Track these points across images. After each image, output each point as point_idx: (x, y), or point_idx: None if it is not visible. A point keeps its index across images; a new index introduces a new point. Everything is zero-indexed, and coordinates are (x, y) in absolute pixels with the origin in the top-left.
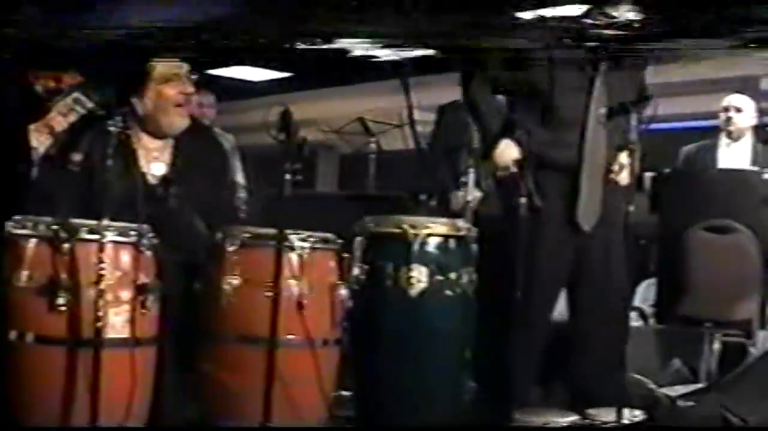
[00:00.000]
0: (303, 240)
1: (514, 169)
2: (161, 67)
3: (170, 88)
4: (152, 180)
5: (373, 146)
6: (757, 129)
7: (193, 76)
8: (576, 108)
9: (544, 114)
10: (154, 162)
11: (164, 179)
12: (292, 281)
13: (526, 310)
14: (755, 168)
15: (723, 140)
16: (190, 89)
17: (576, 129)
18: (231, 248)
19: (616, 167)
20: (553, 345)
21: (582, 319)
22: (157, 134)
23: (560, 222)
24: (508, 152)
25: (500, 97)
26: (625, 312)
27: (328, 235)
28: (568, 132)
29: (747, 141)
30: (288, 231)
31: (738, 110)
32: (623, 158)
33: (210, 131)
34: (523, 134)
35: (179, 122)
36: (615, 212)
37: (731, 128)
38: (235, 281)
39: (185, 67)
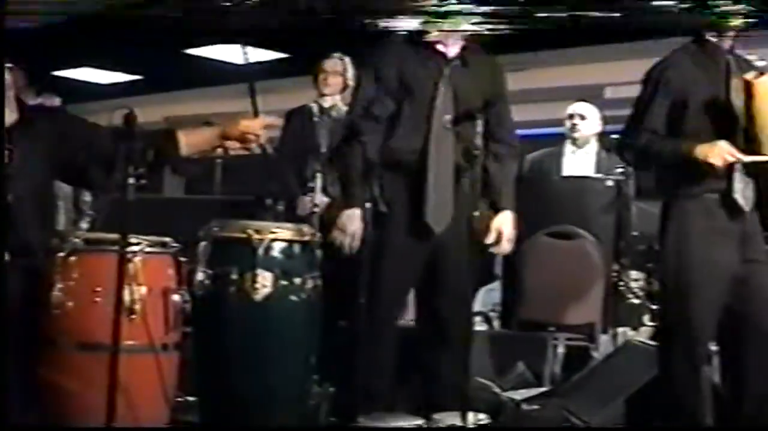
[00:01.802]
0: (139, 244)
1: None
2: None
3: None
4: None
5: (219, 150)
6: (602, 137)
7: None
8: (422, 112)
9: (393, 117)
10: None
11: None
12: (130, 286)
13: (373, 314)
14: (599, 175)
15: (568, 148)
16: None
17: (422, 133)
18: (68, 253)
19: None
20: (400, 348)
21: (431, 323)
22: None
23: (408, 226)
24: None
25: None
26: (470, 316)
27: (166, 239)
28: (415, 136)
29: (591, 149)
30: (126, 236)
31: (582, 118)
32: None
33: (63, 119)
34: (369, 138)
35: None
36: (464, 216)
37: (576, 136)
38: (73, 286)
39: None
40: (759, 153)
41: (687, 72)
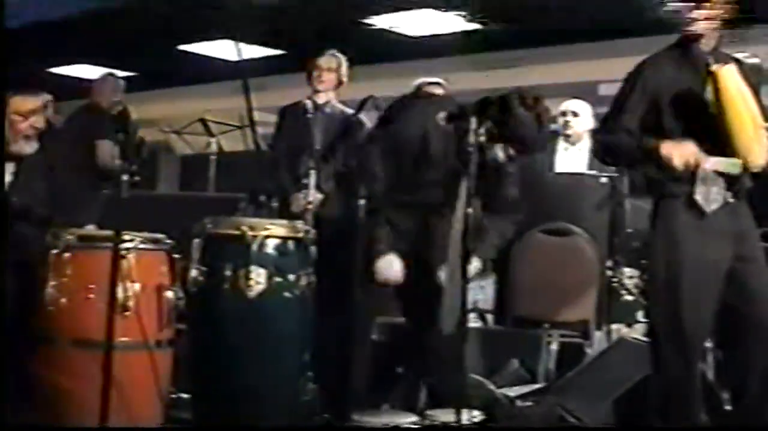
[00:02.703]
0: (133, 241)
1: None
2: (21, 101)
3: (24, 123)
4: None
5: (213, 146)
6: (595, 133)
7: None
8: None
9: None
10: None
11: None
12: (123, 283)
13: (368, 310)
14: (592, 172)
15: (561, 144)
16: (40, 123)
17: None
18: (62, 251)
19: None
20: (393, 346)
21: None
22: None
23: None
24: None
25: None
26: (463, 314)
27: (159, 235)
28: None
29: (584, 145)
30: (119, 232)
31: (575, 115)
32: None
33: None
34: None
35: (25, 149)
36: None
37: (569, 133)
38: (67, 283)
39: (45, 98)
40: (729, 146)
41: (665, 72)
